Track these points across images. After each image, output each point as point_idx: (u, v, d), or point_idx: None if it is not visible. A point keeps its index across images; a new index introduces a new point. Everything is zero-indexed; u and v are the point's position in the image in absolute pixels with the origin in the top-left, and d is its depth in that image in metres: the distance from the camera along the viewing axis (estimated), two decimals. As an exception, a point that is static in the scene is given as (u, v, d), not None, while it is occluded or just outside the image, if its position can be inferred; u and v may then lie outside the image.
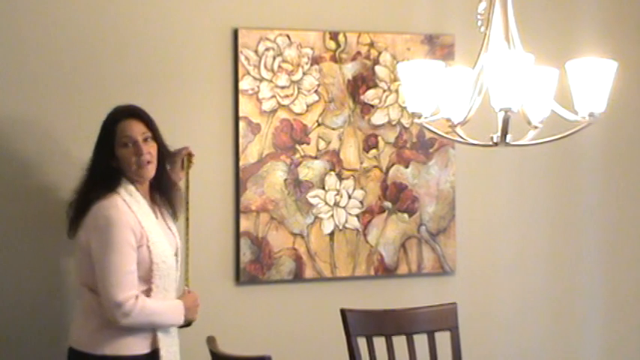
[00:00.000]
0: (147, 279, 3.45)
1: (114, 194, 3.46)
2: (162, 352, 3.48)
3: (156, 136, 3.54)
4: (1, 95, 3.88)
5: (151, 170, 3.52)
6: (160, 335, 3.48)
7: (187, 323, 3.60)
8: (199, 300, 3.63)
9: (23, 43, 3.91)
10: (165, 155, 3.60)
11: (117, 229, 3.41)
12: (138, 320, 3.41)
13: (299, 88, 4.25)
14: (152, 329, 3.47)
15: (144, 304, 3.42)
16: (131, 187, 3.50)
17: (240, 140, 4.16)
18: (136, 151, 3.47)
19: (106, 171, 3.50)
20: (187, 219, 3.72)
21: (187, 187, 3.75)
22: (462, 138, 3.30)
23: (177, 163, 3.76)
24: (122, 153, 3.48)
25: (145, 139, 3.50)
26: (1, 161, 3.88)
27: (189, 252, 3.65)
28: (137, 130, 3.49)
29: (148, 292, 3.46)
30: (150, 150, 3.50)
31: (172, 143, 3.69)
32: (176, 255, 3.62)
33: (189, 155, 3.78)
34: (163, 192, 3.62)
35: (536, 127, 3.19)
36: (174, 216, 3.70)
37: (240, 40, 4.14)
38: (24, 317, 3.90)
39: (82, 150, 3.60)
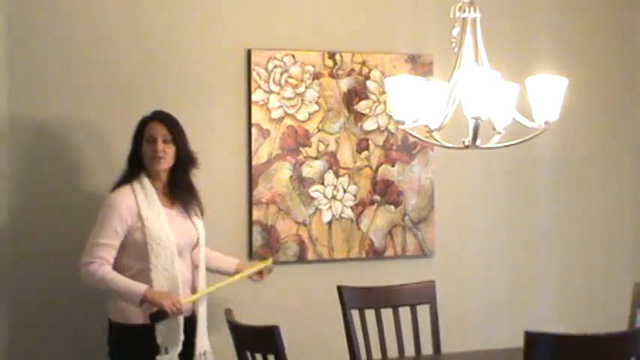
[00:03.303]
0: (143, 258, 3.43)
1: (127, 185, 3.49)
2: (158, 326, 3.42)
3: (176, 140, 3.52)
4: (55, 100, 3.89)
5: (162, 164, 3.50)
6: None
7: (159, 316, 3.38)
8: (174, 300, 3.39)
9: (76, 60, 3.92)
10: (185, 159, 3.57)
11: (109, 210, 3.44)
12: (89, 281, 3.41)
13: (302, 100, 4.25)
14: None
15: (96, 270, 3.38)
16: (146, 181, 3.50)
17: (253, 143, 4.15)
18: (152, 147, 3.48)
19: (135, 163, 3.53)
20: None
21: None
22: (438, 142, 3.30)
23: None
24: (145, 147, 3.51)
25: (164, 140, 3.49)
26: (52, 158, 3.89)
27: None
28: (159, 131, 3.50)
29: (147, 271, 3.42)
30: (165, 149, 3.49)
31: (195, 145, 3.66)
32: (196, 246, 3.60)
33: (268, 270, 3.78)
34: (178, 190, 3.57)
35: (500, 133, 3.20)
36: (200, 213, 3.64)
37: (253, 59, 4.14)
38: (75, 294, 3.87)
39: (123, 146, 3.63)
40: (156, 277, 3.44)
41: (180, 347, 3.47)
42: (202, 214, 3.66)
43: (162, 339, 3.43)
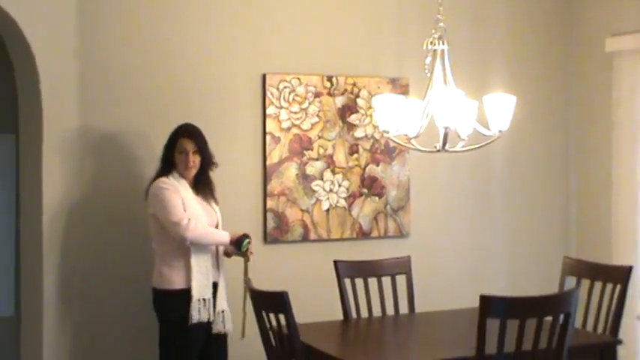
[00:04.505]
0: None
1: (166, 176, 3.54)
2: (194, 284, 3.43)
3: (201, 150, 3.57)
4: (113, 114, 3.90)
5: (192, 172, 3.57)
6: (194, 273, 3.43)
7: (240, 249, 3.56)
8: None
9: (129, 84, 3.94)
10: (207, 163, 3.61)
11: (166, 190, 3.47)
12: (197, 232, 3.41)
13: (306, 113, 4.24)
14: (187, 269, 3.42)
15: (196, 225, 3.41)
16: (178, 176, 3.56)
17: (267, 148, 4.15)
18: (185, 159, 3.54)
19: (168, 163, 3.57)
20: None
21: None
22: (414, 147, 3.34)
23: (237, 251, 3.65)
24: (178, 157, 3.56)
25: (194, 152, 3.55)
26: (111, 157, 3.91)
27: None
28: (189, 146, 3.55)
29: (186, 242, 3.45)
30: (194, 160, 3.56)
31: (220, 150, 3.73)
32: (217, 226, 3.61)
33: (246, 255, 3.65)
34: (201, 185, 3.61)
35: (464, 139, 3.22)
36: (216, 201, 3.68)
37: (267, 81, 4.15)
38: (128, 269, 3.89)
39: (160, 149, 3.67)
40: (194, 247, 3.47)
41: (210, 297, 3.48)
42: (217, 204, 3.69)
43: (197, 292, 3.44)
